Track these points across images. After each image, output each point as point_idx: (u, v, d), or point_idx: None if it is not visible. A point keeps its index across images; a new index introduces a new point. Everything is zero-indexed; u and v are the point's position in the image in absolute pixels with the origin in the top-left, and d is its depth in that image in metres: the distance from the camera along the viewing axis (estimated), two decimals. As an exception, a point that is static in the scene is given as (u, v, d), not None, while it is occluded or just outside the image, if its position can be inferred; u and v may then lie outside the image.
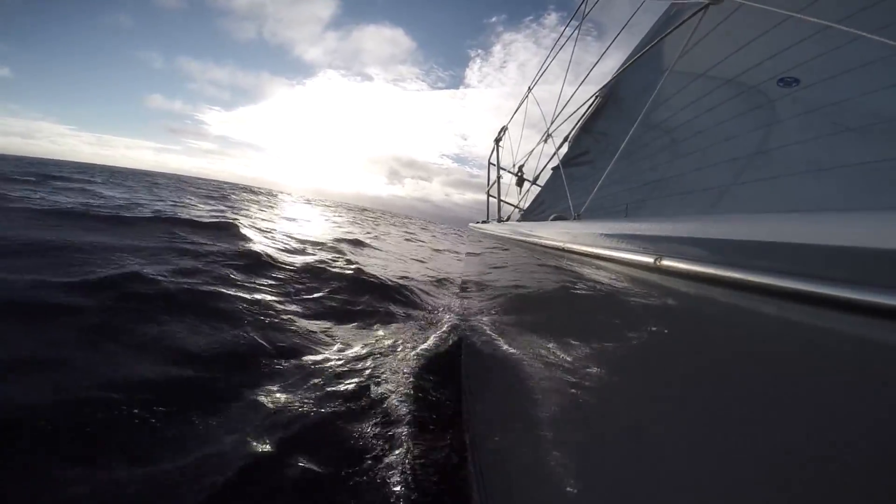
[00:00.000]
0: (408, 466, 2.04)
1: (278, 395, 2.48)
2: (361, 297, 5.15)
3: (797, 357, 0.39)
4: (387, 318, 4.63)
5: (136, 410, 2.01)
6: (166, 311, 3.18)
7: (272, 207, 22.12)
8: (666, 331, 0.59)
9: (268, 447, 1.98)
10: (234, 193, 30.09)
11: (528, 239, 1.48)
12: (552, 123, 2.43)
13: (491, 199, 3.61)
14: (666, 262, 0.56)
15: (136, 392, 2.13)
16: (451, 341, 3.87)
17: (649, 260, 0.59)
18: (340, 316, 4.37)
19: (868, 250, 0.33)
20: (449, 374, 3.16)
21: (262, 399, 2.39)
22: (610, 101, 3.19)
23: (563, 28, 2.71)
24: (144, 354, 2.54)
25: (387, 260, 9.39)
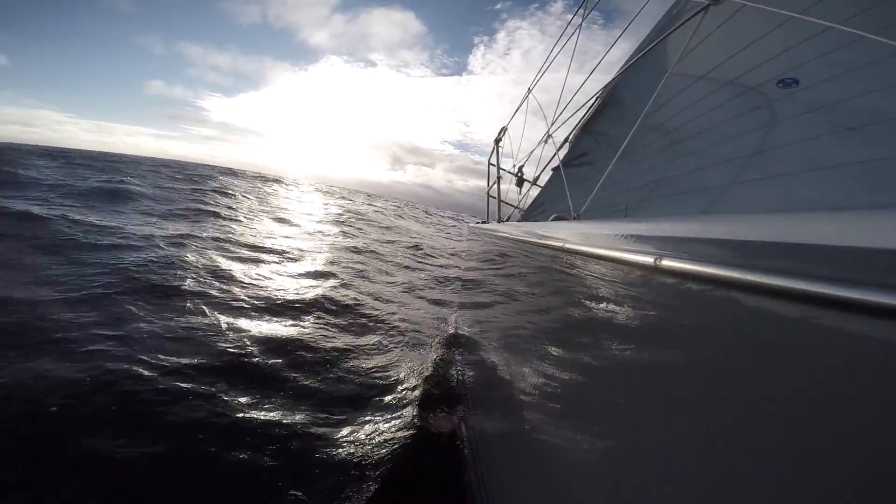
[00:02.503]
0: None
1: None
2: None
3: (797, 356, 0.39)
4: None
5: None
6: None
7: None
8: (666, 331, 0.59)
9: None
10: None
11: (528, 239, 1.48)
12: (553, 124, 2.43)
13: (491, 199, 3.62)
14: (666, 263, 0.56)
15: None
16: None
17: (649, 260, 0.59)
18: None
19: (868, 250, 0.33)
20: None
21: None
22: (610, 103, 3.19)
23: (568, 24, 2.71)
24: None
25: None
